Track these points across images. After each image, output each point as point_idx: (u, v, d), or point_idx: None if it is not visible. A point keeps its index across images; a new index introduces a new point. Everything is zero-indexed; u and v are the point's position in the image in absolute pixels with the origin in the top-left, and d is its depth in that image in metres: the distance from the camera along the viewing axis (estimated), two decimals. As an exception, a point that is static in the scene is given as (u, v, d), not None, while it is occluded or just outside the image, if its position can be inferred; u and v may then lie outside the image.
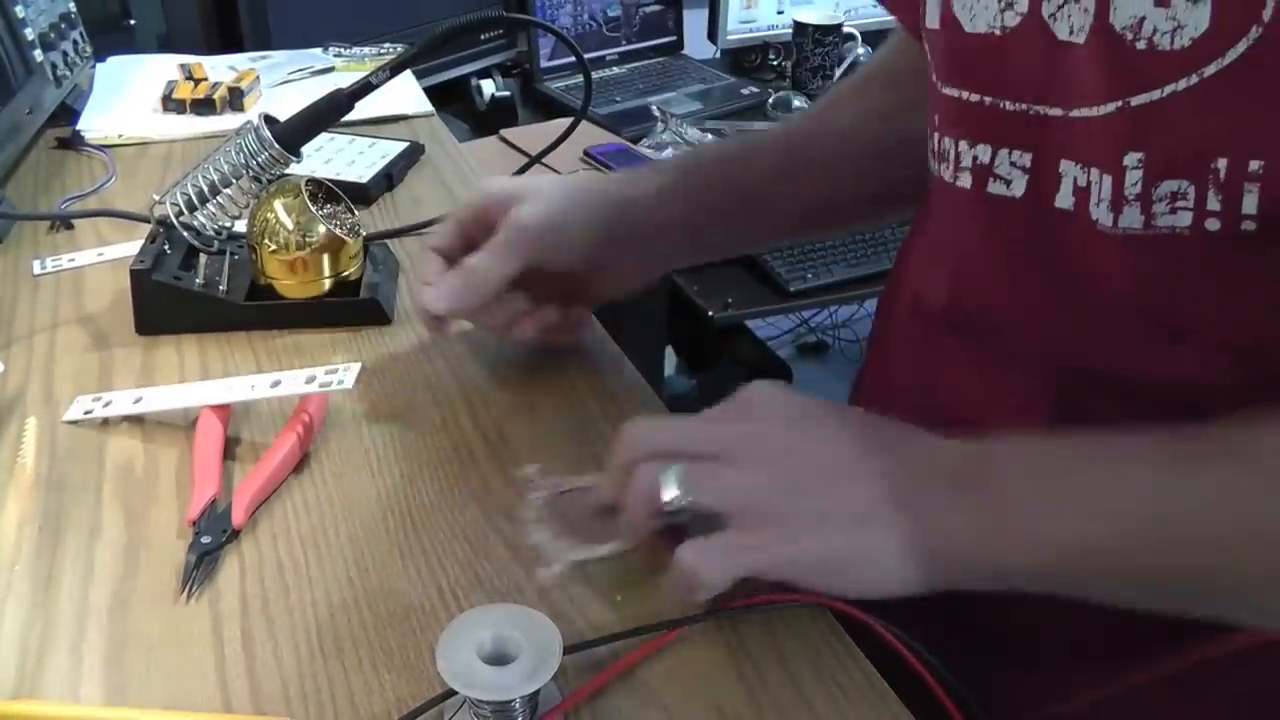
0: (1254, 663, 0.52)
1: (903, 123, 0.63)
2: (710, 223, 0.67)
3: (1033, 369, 0.53)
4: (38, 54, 0.96)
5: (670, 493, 0.46)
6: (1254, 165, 0.41)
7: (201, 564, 0.51)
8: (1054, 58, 0.47)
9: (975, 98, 0.51)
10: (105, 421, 0.62)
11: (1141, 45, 0.43)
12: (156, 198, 0.69)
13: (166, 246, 0.72)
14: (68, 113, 1.03)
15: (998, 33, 0.49)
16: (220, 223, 0.70)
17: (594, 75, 1.00)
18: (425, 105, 1.11)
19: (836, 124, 0.70)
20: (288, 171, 0.69)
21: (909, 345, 0.63)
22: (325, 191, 0.73)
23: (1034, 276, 0.51)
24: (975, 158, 0.52)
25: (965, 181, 0.53)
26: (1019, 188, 0.50)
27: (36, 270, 0.79)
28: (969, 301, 0.56)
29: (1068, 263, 0.49)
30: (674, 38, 2.04)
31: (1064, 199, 0.48)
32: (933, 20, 0.53)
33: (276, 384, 0.61)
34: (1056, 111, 0.48)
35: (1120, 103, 0.44)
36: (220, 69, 1.15)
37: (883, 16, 2.11)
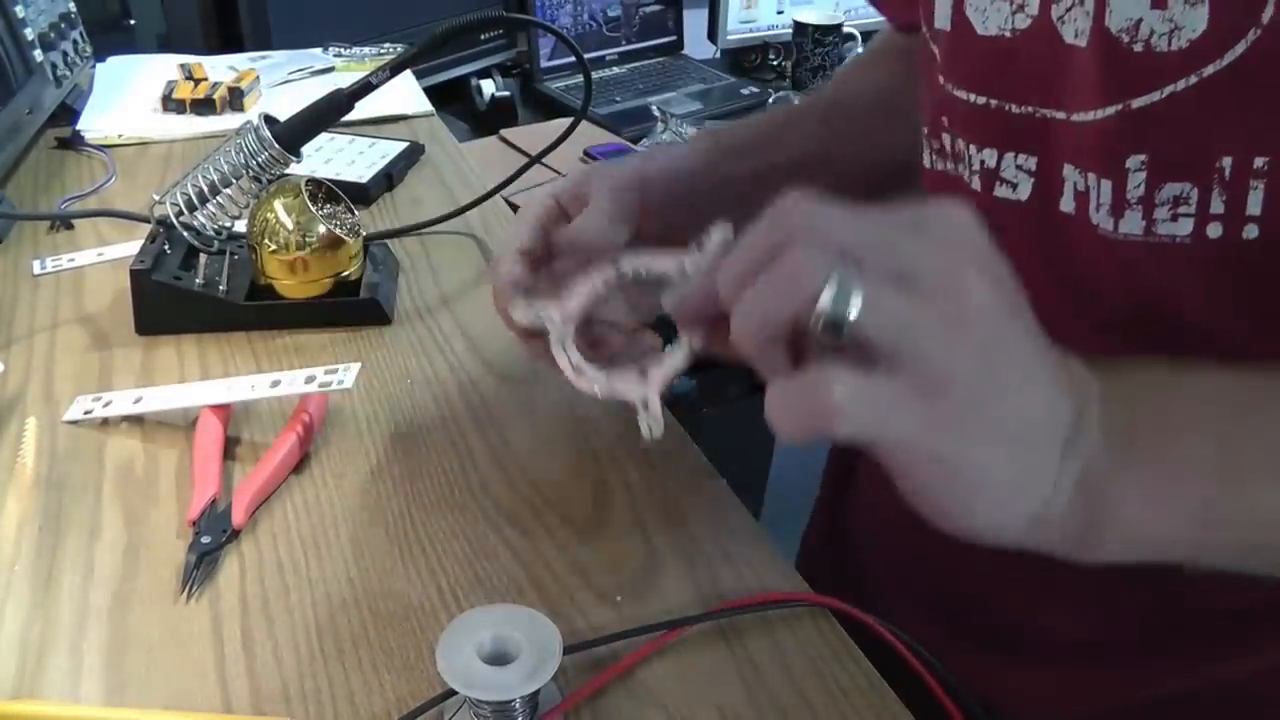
0: None
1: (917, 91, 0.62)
2: (757, 188, 0.59)
3: None
4: (38, 54, 0.96)
5: (835, 300, 0.33)
6: (1259, 162, 0.41)
7: (201, 564, 0.51)
8: (1059, 60, 0.47)
9: (983, 100, 0.51)
10: (105, 421, 0.62)
11: (1139, 48, 0.43)
12: (156, 198, 0.69)
13: (166, 246, 0.72)
14: (68, 113, 1.03)
15: (1008, 35, 0.49)
16: (220, 223, 0.70)
17: (594, 75, 1.00)
18: (425, 105, 1.11)
19: (860, 91, 0.69)
20: (288, 171, 0.69)
21: None
22: (325, 191, 0.73)
23: (1039, 281, 0.50)
24: (983, 161, 0.52)
25: (976, 184, 0.52)
26: (1024, 191, 0.50)
27: (36, 270, 0.79)
28: None
29: (1071, 267, 0.49)
30: (674, 38, 2.04)
31: (1067, 203, 0.48)
32: (942, 21, 0.53)
33: (276, 384, 0.61)
34: (1060, 115, 0.47)
35: (1120, 105, 0.44)
36: (220, 69, 1.15)
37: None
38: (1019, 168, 0.50)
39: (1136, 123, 0.44)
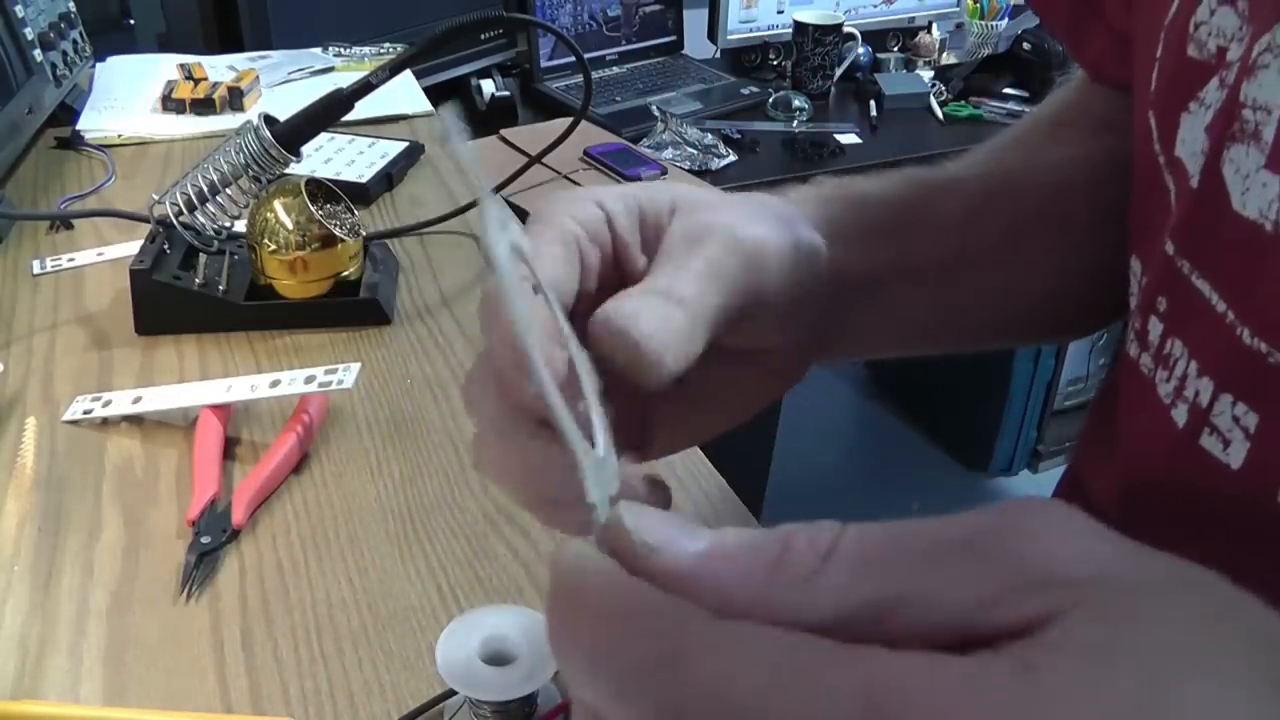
0: None
1: (1115, 188, 0.44)
2: (891, 279, 0.43)
3: None
4: (38, 54, 0.96)
5: None
6: None
7: (201, 564, 0.51)
8: None
9: (1222, 307, 0.35)
10: (105, 421, 0.62)
11: None
12: (156, 198, 0.69)
13: (166, 246, 0.72)
14: (68, 113, 1.03)
15: (1269, 228, 0.33)
16: (220, 223, 0.70)
17: (594, 75, 1.00)
18: (425, 105, 1.11)
19: (1033, 180, 0.47)
20: (288, 171, 0.69)
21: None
22: (325, 191, 0.73)
23: (1235, 560, 0.26)
24: (1197, 392, 0.36)
25: (1180, 419, 0.37)
26: (1236, 456, 0.34)
27: (36, 270, 0.79)
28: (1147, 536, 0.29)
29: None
30: (674, 38, 2.04)
31: None
32: (1188, 158, 0.37)
33: (276, 384, 0.61)
34: None
35: None
36: (220, 69, 1.15)
37: (883, 16, 2.12)
38: (1235, 420, 0.35)
39: None
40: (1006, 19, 2.09)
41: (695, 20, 2.05)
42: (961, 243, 0.44)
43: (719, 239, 0.34)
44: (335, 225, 0.71)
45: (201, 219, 0.69)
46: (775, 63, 2.07)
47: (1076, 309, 0.50)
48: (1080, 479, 0.47)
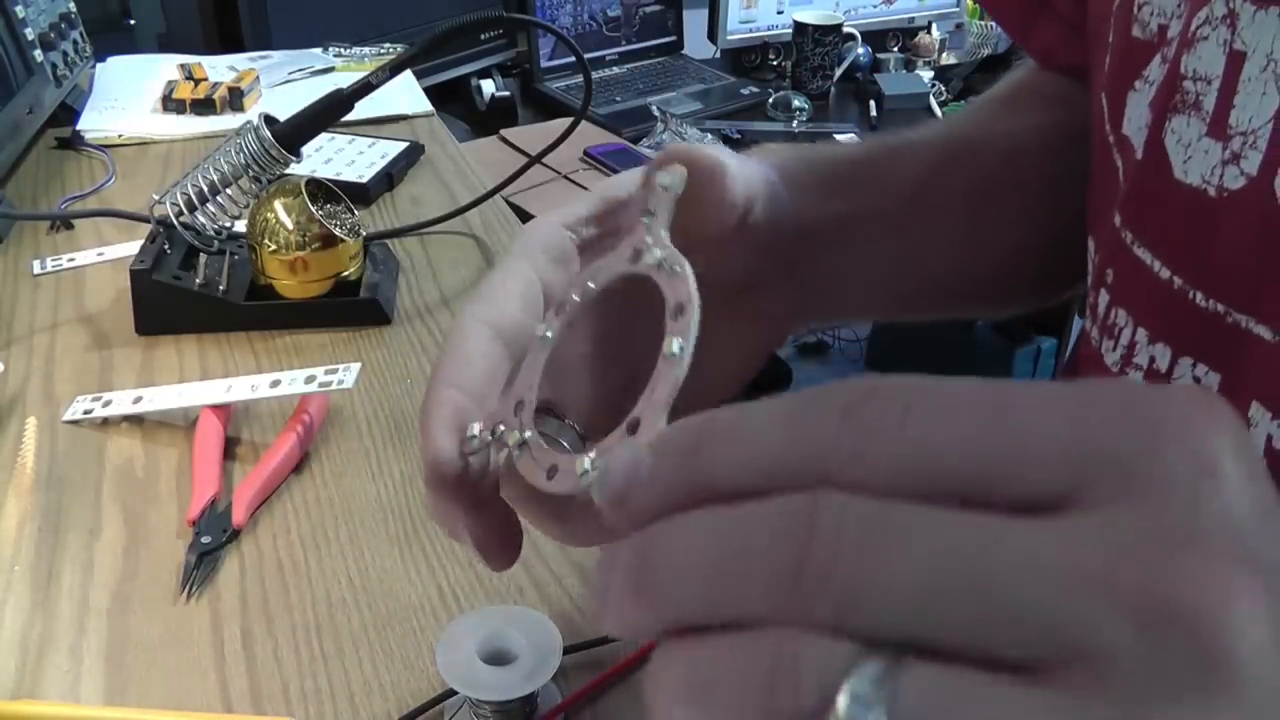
0: None
1: (1068, 156, 0.46)
2: (838, 238, 0.44)
3: None
4: (38, 54, 0.96)
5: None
6: None
7: (201, 564, 0.51)
8: (1277, 250, 0.32)
9: (1167, 275, 0.36)
10: (105, 421, 0.62)
11: None
12: (156, 198, 0.69)
13: (166, 246, 0.72)
14: (68, 113, 1.03)
15: (1211, 193, 0.34)
16: (220, 223, 0.70)
17: (594, 75, 1.00)
18: (425, 105, 1.11)
19: (989, 143, 0.49)
20: (288, 171, 0.69)
21: None
22: (325, 191, 0.73)
23: None
24: (1152, 359, 0.37)
25: (1134, 380, 0.38)
26: None
27: (36, 270, 0.79)
28: None
29: None
30: (674, 38, 2.04)
31: None
32: (1134, 133, 0.38)
33: (276, 384, 0.61)
34: (1263, 331, 0.33)
35: None
36: (220, 69, 1.15)
37: (883, 16, 2.12)
38: (1197, 381, 0.36)
39: None
40: (1006, 19, 2.08)
41: (695, 20, 2.05)
42: (921, 197, 0.46)
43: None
44: (335, 225, 0.71)
45: (202, 219, 0.69)
46: (775, 63, 2.08)
47: (1034, 274, 0.51)
48: None
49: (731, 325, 0.39)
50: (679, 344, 0.25)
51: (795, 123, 1.83)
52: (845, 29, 1.95)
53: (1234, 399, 0.34)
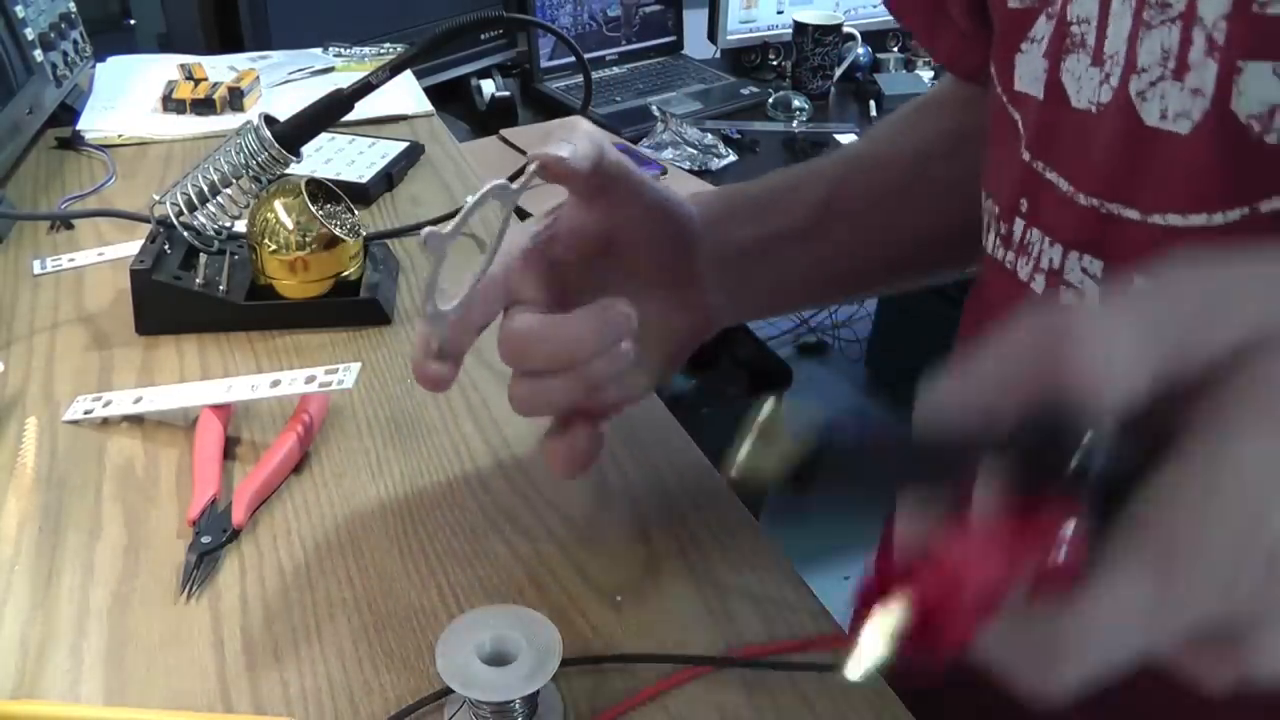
0: None
1: (969, 157, 0.54)
2: (758, 258, 0.55)
3: None
4: (38, 54, 0.96)
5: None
6: None
7: (201, 564, 0.51)
8: (1137, 146, 0.40)
9: (1065, 186, 0.44)
10: (105, 421, 0.62)
11: (1274, 139, 0.35)
12: (156, 198, 0.69)
13: (166, 246, 0.72)
14: (68, 113, 1.03)
15: (1095, 110, 0.42)
16: (220, 223, 0.70)
17: (594, 75, 1.00)
18: (425, 105, 1.11)
19: (896, 153, 0.59)
20: (288, 171, 0.69)
21: None
22: (325, 191, 0.73)
23: None
24: (1051, 260, 0.45)
25: (1039, 285, 0.45)
26: (1091, 302, 0.40)
27: (36, 270, 0.79)
28: None
29: None
30: (674, 38, 2.05)
31: None
32: (1030, 84, 0.45)
33: (276, 384, 0.61)
34: (1132, 214, 0.40)
35: (1244, 210, 0.36)
36: (220, 69, 1.15)
37: (883, 16, 2.12)
38: (1085, 270, 0.42)
39: (1266, 233, 0.36)
40: (1006, 19, 2.08)
41: (695, 20, 2.05)
42: (825, 205, 0.56)
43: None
44: (335, 225, 0.71)
45: (202, 219, 0.69)
46: (775, 63, 2.08)
47: (945, 253, 0.60)
48: None
49: (662, 314, 0.51)
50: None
51: (795, 123, 1.83)
52: (845, 29, 1.95)
53: (1119, 278, 0.41)
